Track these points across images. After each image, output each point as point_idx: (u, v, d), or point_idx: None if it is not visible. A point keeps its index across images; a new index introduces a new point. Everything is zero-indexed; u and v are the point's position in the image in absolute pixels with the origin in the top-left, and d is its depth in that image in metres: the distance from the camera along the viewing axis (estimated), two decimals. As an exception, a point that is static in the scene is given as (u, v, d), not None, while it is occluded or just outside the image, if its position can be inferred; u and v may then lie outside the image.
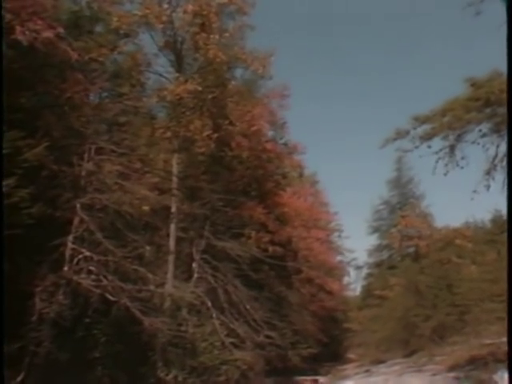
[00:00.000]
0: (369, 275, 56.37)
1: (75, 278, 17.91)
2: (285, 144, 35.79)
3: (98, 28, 23.59)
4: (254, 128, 27.63)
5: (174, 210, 24.17)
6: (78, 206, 18.94)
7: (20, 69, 17.13)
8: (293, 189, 41.14)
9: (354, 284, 61.41)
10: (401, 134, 19.80)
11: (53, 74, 18.82)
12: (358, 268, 57.82)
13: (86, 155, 20.00)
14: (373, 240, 56.13)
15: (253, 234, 27.14)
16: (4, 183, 15.36)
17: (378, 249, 54.94)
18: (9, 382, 15.61)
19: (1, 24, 11.94)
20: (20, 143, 16.50)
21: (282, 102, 32.83)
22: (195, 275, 24.63)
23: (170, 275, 23.03)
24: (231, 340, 23.07)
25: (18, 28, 16.68)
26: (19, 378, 16.22)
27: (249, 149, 27.54)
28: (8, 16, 16.54)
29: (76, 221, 18.87)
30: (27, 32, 16.75)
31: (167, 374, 20.60)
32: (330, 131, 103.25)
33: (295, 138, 50.52)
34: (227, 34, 25.26)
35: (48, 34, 17.22)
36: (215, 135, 24.57)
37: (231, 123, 26.61)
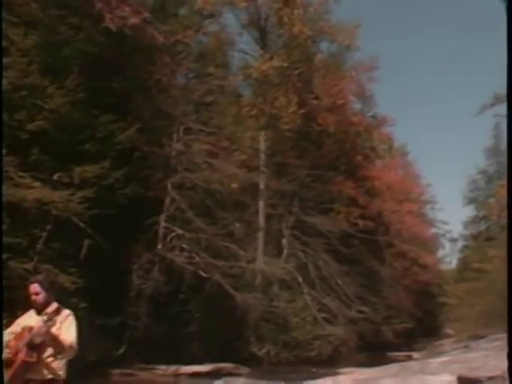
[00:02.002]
0: (465, 248, 54.41)
1: (169, 255, 18.55)
2: (373, 117, 34.90)
3: (183, 10, 23.92)
4: (341, 101, 27.15)
5: (262, 186, 24.34)
6: (169, 185, 19.48)
7: (111, 54, 17.72)
8: (383, 162, 40.18)
9: (449, 257, 59.55)
10: (500, 99, 18.70)
11: (141, 58, 19.32)
12: (453, 240, 55.92)
13: (175, 136, 20.48)
14: (469, 211, 53.93)
15: (342, 208, 26.87)
16: (99, 165, 16.08)
17: (475, 220, 52.78)
18: (111, 353, 16.53)
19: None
20: (113, 126, 17.17)
21: (371, 75, 31.94)
22: (285, 251, 24.78)
23: (260, 251, 23.31)
24: (323, 315, 23.12)
25: (108, 16, 17.22)
26: (121, 350, 17.10)
27: (336, 123, 27.11)
28: (98, 5, 17.12)
29: (167, 200, 19.46)
30: (116, 19, 17.26)
31: (260, 349, 20.99)
32: (419, 101, 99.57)
33: (384, 110, 49.15)
34: (311, 9, 24.84)
35: (135, 19, 17.66)
36: (301, 111, 24.42)
37: (317, 98, 26.31)
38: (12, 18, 15.54)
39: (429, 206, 52.01)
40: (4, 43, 15.17)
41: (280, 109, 23.87)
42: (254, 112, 24.46)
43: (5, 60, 15.16)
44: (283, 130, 24.70)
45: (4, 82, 14.85)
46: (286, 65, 23.60)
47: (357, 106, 32.84)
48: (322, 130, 27.04)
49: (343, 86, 27.85)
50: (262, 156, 24.86)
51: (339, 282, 24.38)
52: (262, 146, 25.09)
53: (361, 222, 26.76)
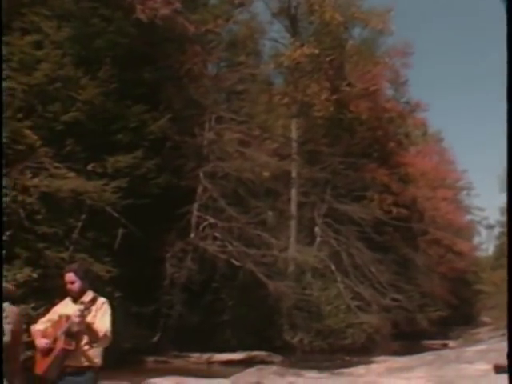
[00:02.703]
0: (502, 234, 53.43)
1: (202, 244, 18.69)
2: (406, 102, 34.39)
3: (213, 0, 23.87)
4: (374, 88, 26.81)
5: (294, 175, 24.28)
6: (201, 174, 19.59)
7: (142, 45, 17.83)
8: (417, 148, 39.61)
9: (485, 244, 58.60)
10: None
11: (172, 48, 19.39)
12: (490, 227, 55.04)
13: (206, 125, 20.55)
14: (506, 197, 52.89)
15: (375, 196, 26.64)
16: (132, 155, 16.25)
17: (512, 207, 51.69)
18: (146, 341, 16.78)
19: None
20: (145, 116, 17.30)
21: (405, 60, 31.42)
22: (318, 239, 24.71)
23: (292, 240, 23.30)
24: (357, 303, 23.02)
25: (139, 7, 17.36)
26: (155, 338, 17.35)
27: (369, 109, 26.81)
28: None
29: (200, 189, 19.60)
30: (147, 10, 17.38)
31: (293, 337, 21.04)
32: (455, 87, 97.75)
33: (418, 96, 48.35)
34: (343, -5, 24.56)
35: (166, 10, 17.74)
36: (334, 98, 24.21)
37: (350, 84, 26.04)
38: (45, 11, 15.79)
39: (464, 192, 51.24)
40: (38, 36, 15.46)
41: (312, 96, 23.72)
42: (286, 100, 24.35)
43: (39, 53, 15.43)
44: (315, 117, 24.56)
45: (38, 74, 15.16)
46: (317, 52, 23.39)
47: (390, 92, 32.46)
48: (355, 117, 26.78)
49: (376, 72, 27.48)
50: (294, 144, 24.76)
51: (373, 269, 24.22)
52: (294, 134, 24.99)
53: (394, 210, 26.48)
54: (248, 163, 20.38)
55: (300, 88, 24.07)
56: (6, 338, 4.76)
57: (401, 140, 32.42)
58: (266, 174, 21.21)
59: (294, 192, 24.17)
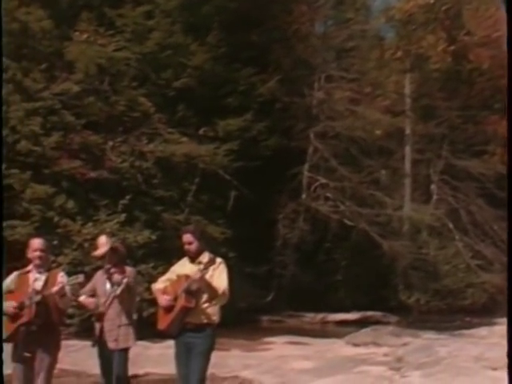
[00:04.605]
0: None
1: (313, 204, 18.69)
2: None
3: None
4: (497, 34, 25.01)
5: (408, 131, 23.46)
6: (312, 135, 19.44)
7: (249, 8, 17.80)
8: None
9: None
10: None
11: (279, 9, 19.17)
12: None
13: (315, 84, 20.29)
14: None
15: (498, 149, 25.14)
16: (242, 118, 16.46)
17: None
18: (261, 300, 17.23)
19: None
20: (254, 79, 17.40)
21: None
22: (434, 197, 23.87)
23: (407, 198, 22.68)
24: (477, 262, 22.12)
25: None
26: (269, 298, 17.77)
27: (491, 58, 25.11)
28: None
29: (310, 149, 19.50)
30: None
31: (409, 297, 20.64)
32: None
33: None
34: None
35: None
36: (451, 48, 22.95)
37: (469, 33, 24.49)
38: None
39: None
40: (148, 7, 15.93)
41: (427, 48, 22.60)
42: (399, 54, 23.35)
43: (150, 22, 15.92)
44: (430, 70, 23.44)
45: (150, 43, 15.67)
46: (432, 1, 22.16)
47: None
48: (474, 68, 25.23)
49: (499, 17, 25.60)
50: (408, 100, 23.85)
51: (495, 227, 23.06)
52: (408, 89, 24.03)
53: (518, 164, 24.89)
54: (359, 121, 19.94)
55: (414, 41, 22.99)
56: (118, 291, 5.08)
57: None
58: (378, 131, 20.66)
59: (408, 149, 23.38)
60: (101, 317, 5.19)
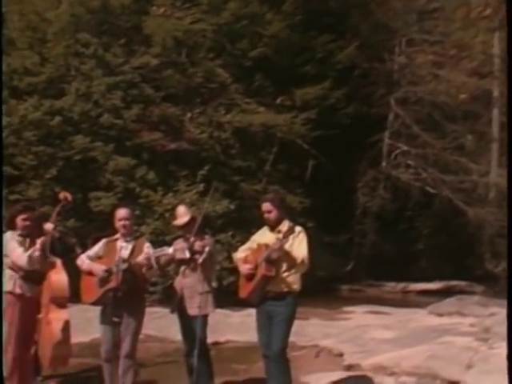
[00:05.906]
0: None
1: (394, 172, 18.33)
2: None
3: None
4: None
5: (496, 93, 22.24)
6: (392, 101, 18.95)
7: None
8: None
9: None
10: None
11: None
12: None
13: (396, 49, 19.72)
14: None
15: None
16: (320, 86, 16.21)
17: None
18: (341, 269, 17.16)
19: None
20: (332, 46, 17.06)
21: None
22: (524, 162, 22.73)
23: (494, 164, 21.65)
24: None
25: None
26: (349, 267, 17.67)
27: None
28: None
29: (391, 116, 19.04)
30: None
31: (496, 266, 19.87)
32: None
33: None
34: None
35: None
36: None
37: None
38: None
39: None
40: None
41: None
42: (488, 12, 22.10)
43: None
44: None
45: (226, 14, 15.63)
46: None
47: None
48: None
49: None
50: (496, 60, 22.54)
51: None
52: (496, 49, 22.70)
53: None
54: (443, 85, 19.25)
55: (504, -4, 21.70)
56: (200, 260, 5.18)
57: None
58: (463, 95, 19.82)
59: (495, 112, 22.21)
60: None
